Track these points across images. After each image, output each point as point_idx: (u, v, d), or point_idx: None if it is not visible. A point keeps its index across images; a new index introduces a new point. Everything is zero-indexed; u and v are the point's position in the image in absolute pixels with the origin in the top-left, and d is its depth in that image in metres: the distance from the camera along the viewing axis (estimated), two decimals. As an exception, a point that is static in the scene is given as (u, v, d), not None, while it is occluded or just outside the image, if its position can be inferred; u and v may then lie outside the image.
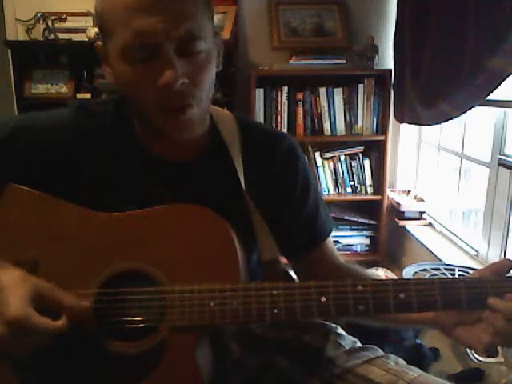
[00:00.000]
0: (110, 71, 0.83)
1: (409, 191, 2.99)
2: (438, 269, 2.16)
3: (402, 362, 0.91)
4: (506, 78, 1.70)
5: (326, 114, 2.86)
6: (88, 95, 2.77)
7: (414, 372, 0.87)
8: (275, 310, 0.75)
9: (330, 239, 1.00)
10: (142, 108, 0.80)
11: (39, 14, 2.76)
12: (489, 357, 0.73)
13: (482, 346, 0.72)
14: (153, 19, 0.73)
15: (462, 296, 0.73)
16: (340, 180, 2.98)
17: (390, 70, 2.76)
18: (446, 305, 0.73)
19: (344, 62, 2.78)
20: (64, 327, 0.71)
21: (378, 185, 2.96)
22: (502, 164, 2.10)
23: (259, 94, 2.80)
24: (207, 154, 0.91)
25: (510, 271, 0.74)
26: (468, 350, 1.92)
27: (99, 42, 0.83)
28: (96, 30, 2.67)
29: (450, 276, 2.08)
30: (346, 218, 3.00)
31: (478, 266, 2.18)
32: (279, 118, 2.85)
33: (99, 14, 0.79)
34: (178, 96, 0.77)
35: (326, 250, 0.99)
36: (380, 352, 0.94)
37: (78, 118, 0.88)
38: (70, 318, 0.72)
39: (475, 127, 2.49)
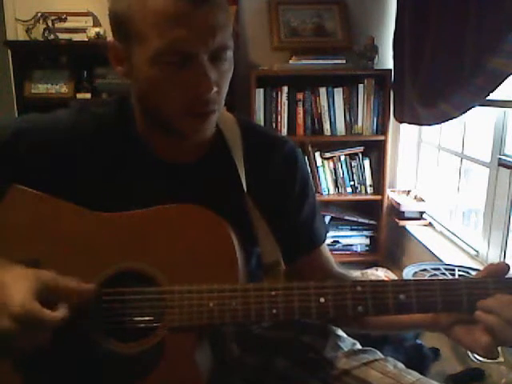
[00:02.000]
0: (121, 69, 0.82)
1: (409, 191, 2.99)
2: (438, 269, 2.16)
3: (400, 365, 0.91)
4: (506, 78, 1.70)
5: (326, 114, 2.86)
6: (88, 95, 2.77)
7: (413, 376, 0.87)
8: (274, 311, 0.75)
9: (325, 247, 1.00)
10: (161, 110, 0.80)
11: (39, 14, 2.76)
12: (490, 359, 0.72)
13: (480, 347, 0.71)
14: (191, 30, 0.73)
15: (462, 297, 0.73)
16: (340, 180, 2.98)
17: (390, 70, 2.77)
18: (446, 306, 0.73)
19: (344, 62, 2.78)
20: (65, 316, 0.71)
21: (378, 185, 2.96)
22: (502, 164, 2.10)
23: (259, 94, 2.80)
24: (209, 155, 0.91)
25: (507, 274, 0.74)
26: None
27: (112, 41, 0.82)
28: (96, 29, 2.68)
29: (450, 276, 2.08)
30: (346, 218, 3.01)
31: (478, 266, 2.18)
32: (279, 117, 2.85)
33: (125, 16, 0.77)
34: (207, 103, 0.79)
35: (320, 256, 0.99)
36: (379, 355, 0.94)
37: (80, 119, 0.88)
38: (72, 308, 0.72)
39: (475, 127, 2.49)
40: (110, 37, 0.83)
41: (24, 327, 0.68)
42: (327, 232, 1.02)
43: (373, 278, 2.53)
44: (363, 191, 3.00)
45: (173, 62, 0.75)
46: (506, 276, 0.74)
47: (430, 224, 2.80)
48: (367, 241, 3.06)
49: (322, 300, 0.74)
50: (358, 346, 0.96)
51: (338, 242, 3.02)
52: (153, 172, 0.89)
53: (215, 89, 0.78)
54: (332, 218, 3.01)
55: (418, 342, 2.04)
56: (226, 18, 0.77)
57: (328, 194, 2.98)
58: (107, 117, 0.89)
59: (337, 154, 2.96)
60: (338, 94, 2.85)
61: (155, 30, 0.74)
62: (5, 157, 0.85)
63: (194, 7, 0.73)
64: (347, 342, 0.97)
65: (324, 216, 2.94)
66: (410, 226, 2.83)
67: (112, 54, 0.82)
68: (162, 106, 0.80)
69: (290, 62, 2.80)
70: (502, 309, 0.70)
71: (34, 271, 0.73)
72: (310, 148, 2.92)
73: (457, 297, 0.73)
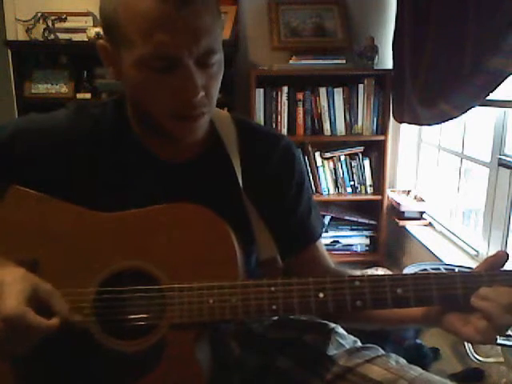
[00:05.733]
0: (113, 70, 0.83)
1: (409, 191, 2.99)
2: (438, 269, 2.16)
3: (402, 361, 0.91)
4: (506, 78, 1.70)
5: (326, 114, 2.86)
6: (88, 95, 2.78)
7: (415, 371, 0.87)
8: (274, 307, 0.75)
9: (321, 243, 1.00)
10: (150, 112, 0.81)
11: (39, 14, 2.77)
12: (489, 343, 0.72)
13: (477, 332, 0.71)
14: (175, 35, 0.73)
15: (457, 290, 0.74)
16: (340, 180, 2.98)
17: (390, 70, 2.76)
18: (443, 299, 0.74)
19: (344, 62, 2.78)
20: (56, 327, 0.71)
21: (378, 185, 2.96)
22: (502, 164, 2.10)
23: (259, 94, 2.80)
24: (205, 154, 0.91)
25: (506, 262, 0.75)
26: (468, 349, 1.92)
27: (102, 42, 0.82)
28: (96, 29, 2.68)
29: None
30: (346, 217, 3.01)
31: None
32: (279, 117, 2.85)
33: (112, 19, 0.77)
34: (194, 107, 0.79)
35: (316, 252, 0.99)
36: (381, 351, 0.94)
37: (77, 120, 0.89)
38: (63, 321, 0.73)
39: (475, 127, 2.49)
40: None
41: (12, 330, 0.68)
42: (323, 228, 1.02)
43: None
44: (363, 191, 3.00)
45: (158, 67, 0.75)
46: (503, 268, 0.75)
47: (430, 224, 2.80)
48: (367, 241, 3.06)
49: (321, 295, 0.75)
50: (360, 344, 0.96)
51: (337, 241, 3.02)
52: (149, 171, 0.89)
53: (202, 93, 0.78)
54: (332, 218, 3.01)
55: (418, 341, 2.04)
56: (212, 22, 0.76)
57: (328, 194, 2.98)
58: (104, 117, 0.90)
59: (337, 154, 2.96)
60: (338, 94, 2.85)
61: (139, 35, 0.74)
62: (2, 157, 0.85)
63: (177, 11, 0.72)
64: (348, 339, 0.97)
65: (324, 216, 2.94)
66: (410, 226, 2.83)
67: (103, 55, 0.83)
68: (150, 109, 0.80)
69: (290, 61, 2.80)
70: (498, 296, 0.71)
71: (33, 278, 0.73)
72: (309, 148, 2.93)
73: (453, 290, 0.74)
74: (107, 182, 0.86)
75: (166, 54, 0.74)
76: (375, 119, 2.88)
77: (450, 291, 0.74)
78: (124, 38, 0.76)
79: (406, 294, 0.74)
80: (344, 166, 2.97)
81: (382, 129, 2.87)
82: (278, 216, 0.94)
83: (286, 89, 2.83)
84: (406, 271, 2.17)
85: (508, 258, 0.75)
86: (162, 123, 0.81)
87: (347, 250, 3.04)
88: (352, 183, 2.99)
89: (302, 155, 2.87)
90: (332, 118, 2.87)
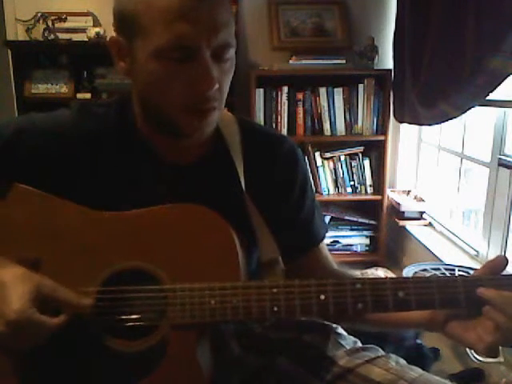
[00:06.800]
0: (123, 66, 0.82)
1: (409, 191, 2.99)
2: (438, 269, 2.16)
3: (402, 361, 0.91)
4: (505, 78, 1.71)
5: (326, 114, 2.86)
6: (88, 95, 2.78)
7: (415, 372, 0.87)
8: (275, 308, 0.75)
9: (324, 245, 1.00)
10: (161, 107, 0.80)
11: (39, 14, 2.77)
12: (490, 357, 0.71)
13: (483, 345, 0.71)
14: (195, 25, 0.73)
15: (460, 294, 0.73)
16: (340, 180, 2.98)
17: (390, 70, 2.77)
18: (444, 303, 0.74)
19: (344, 62, 2.79)
20: (62, 324, 0.72)
21: (378, 185, 2.96)
22: (502, 164, 2.10)
23: (259, 94, 2.81)
24: (209, 155, 0.91)
25: (505, 268, 0.74)
26: (468, 349, 1.92)
27: (114, 37, 0.82)
28: (96, 29, 2.68)
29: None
30: (346, 218, 3.01)
31: (478, 266, 2.18)
32: (279, 117, 2.85)
33: (129, 11, 0.77)
34: (208, 100, 0.79)
35: (319, 255, 0.99)
36: (381, 352, 0.94)
37: (81, 119, 0.89)
38: (70, 315, 0.73)
39: (475, 127, 2.49)
40: (110, 35, 0.83)
41: (18, 332, 0.69)
42: (327, 230, 1.02)
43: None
44: (363, 191, 3.00)
45: (175, 57, 0.75)
46: (503, 272, 0.75)
47: (430, 224, 2.80)
48: (367, 241, 3.06)
49: (323, 297, 0.75)
50: (360, 344, 0.97)
51: (337, 241, 3.02)
52: (154, 171, 0.89)
53: (217, 85, 0.78)
54: (332, 218, 3.02)
55: (418, 341, 2.04)
56: (229, 17, 0.78)
57: (328, 194, 2.99)
58: (108, 117, 0.89)
59: (337, 154, 2.97)
60: (338, 94, 2.86)
61: (159, 25, 0.74)
62: (5, 156, 0.85)
63: (198, 3, 0.73)
64: (348, 340, 0.97)
65: (324, 216, 2.94)
66: (410, 226, 2.83)
67: (115, 49, 0.82)
68: (163, 102, 0.80)
69: (290, 62, 2.80)
70: (506, 305, 0.70)
71: (34, 277, 0.74)
72: (309, 148, 2.93)
73: (454, 294, 0.73)
74: (111, 182, 0.86)
75: (185, 44, 0.74)
76: (375, 119, 2.88)
77: (450, 295, 0.74)
78: (143, 28, 0.76)
79: (408, 298, 0.74)
80: (344, 166, 2.97)
81: (382, 129, 2.87)
82: (282, 219, 0.94)
83: (286, 89, 2.83)
84: (405, 271, 2.17)
85: (507, 263, 0.75)
86: (173, 118, 0.81)
87: (347, 250, 3.04)
88: (352, 183, 2.99)
89: (302, 155, 2.87)
90: (332, 118, 2.87)
